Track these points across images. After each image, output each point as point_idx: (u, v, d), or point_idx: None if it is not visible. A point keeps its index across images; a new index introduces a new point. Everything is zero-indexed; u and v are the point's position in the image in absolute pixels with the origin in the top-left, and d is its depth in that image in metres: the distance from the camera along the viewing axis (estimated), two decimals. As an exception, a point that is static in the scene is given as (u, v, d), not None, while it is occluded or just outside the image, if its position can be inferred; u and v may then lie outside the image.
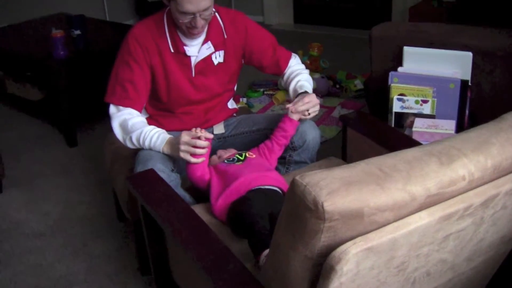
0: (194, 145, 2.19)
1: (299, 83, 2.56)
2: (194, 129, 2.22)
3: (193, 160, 2.21)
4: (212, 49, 2.46)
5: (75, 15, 4.27)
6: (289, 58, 2.68)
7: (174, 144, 2.26)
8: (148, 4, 6.22)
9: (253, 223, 1.89)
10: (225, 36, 2.48)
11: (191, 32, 2.35)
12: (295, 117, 2.39)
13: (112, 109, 2.42)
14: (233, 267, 1.63)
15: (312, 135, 2.47)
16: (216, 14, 2.46)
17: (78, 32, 4.15)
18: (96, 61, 4.08)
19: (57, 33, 3.88)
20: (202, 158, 2.23)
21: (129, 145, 2.41)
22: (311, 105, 2.39)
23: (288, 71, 2.66)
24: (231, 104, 2.73)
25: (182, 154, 2.21)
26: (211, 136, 2.24)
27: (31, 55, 4.11)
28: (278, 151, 2.42)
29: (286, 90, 2.70)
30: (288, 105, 2.39)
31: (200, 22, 2.29)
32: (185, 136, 2.21)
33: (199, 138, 2.20)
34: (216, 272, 1.61)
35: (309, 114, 2.40)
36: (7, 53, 4.28)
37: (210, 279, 1.60)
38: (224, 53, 2.51)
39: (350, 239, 1.24)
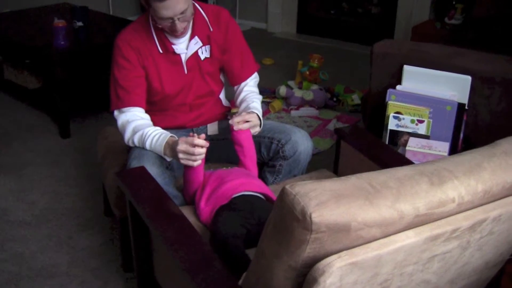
0: (192, 153, 2.16)
1: (252, 104, 2.52)
2: (191, 134, 2.19)
3: (195, 164, 2.19)
4: (200, 44, 2.47)
5: (79, 6, 4.26)
6: (253, 72, 2.67)
7: (173, 149, 2.23)
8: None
9: (225, 244, 1.91)
10: (211, 29, 2.49)
11: (173, 34, 2.38)
12: (240, 127, 2.34)
13: (116, 112, 2.43)
14: (216, 270, 1.62)
15: (304, 145, 2.46)
16: (199, 9, 2.47)
17: (80, 23, 4.14)
18: (95, 54, 4.07)
19: (59, 22, 3.88)
20: (200, 161, 2.21)
21: (131, 145, 2.41)
22: (252, 125, 2.38)
23: (246, 89, 2.63)
24: (225, 102, 2.72)
25: (182, 161, 2.20)
26: (207, 144, 2.19)
27: (31, 42, 4.09)
28: (252, 166, 2.41)
29: (234, 101, 2.68)
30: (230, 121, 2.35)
31: (179, 25, 2.31)
32: (182, 145, 2.17)
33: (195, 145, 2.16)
34: (198, 274, 1.61)
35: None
36: (8, 39, 4.26)
37: (192, 281, 1.59)
38: (210, 47, 2.51)
39: (335, 252, 1.23)
